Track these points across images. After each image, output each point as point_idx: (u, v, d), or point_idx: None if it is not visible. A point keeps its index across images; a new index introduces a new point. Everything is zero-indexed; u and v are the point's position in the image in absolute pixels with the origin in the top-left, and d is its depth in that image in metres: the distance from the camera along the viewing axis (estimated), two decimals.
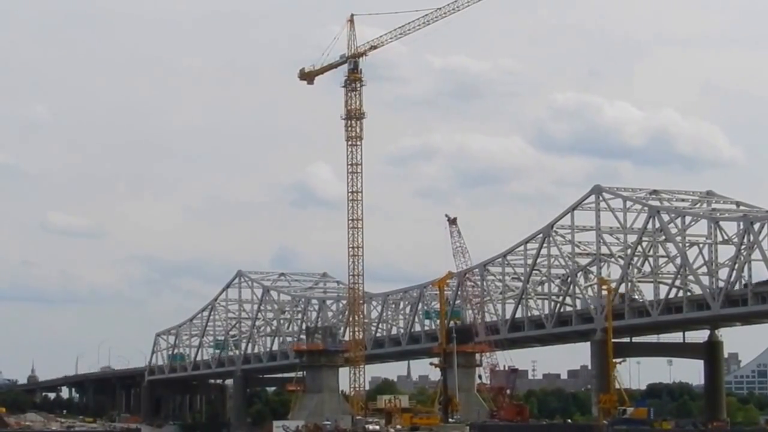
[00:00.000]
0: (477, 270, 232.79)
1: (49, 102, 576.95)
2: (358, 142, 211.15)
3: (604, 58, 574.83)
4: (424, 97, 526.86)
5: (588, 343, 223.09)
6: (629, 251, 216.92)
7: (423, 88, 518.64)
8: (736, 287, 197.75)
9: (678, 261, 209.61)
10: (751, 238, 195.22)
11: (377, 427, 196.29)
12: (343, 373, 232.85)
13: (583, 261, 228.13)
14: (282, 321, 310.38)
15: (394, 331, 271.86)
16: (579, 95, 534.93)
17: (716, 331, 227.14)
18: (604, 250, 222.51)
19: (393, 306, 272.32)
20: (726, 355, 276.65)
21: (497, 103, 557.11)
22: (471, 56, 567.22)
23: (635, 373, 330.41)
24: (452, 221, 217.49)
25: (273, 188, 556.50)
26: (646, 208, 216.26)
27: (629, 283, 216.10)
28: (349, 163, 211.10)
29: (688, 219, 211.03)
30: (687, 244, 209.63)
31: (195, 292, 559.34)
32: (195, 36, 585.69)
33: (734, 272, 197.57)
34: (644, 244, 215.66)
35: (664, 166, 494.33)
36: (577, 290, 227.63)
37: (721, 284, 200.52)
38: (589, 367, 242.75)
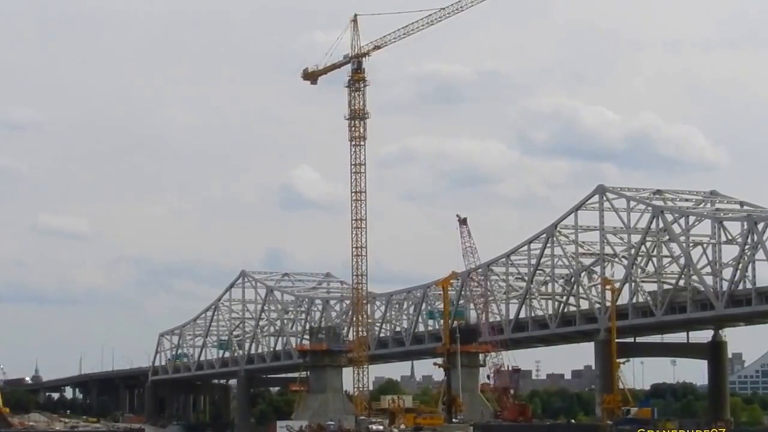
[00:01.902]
0: (480, 270, 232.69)
1: (40, 103, 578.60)
2: (362, 142, 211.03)
3: (587, 62, 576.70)
4: (406, 101, 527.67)
5: (592, 343, 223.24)
6: (633, 251, 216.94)
7: (405, 93, 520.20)
8: (740, 287, 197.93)
9: (682, 261, 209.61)
10: (755, 237, 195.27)
11: (381, 428, 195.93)
12: (347, 373, 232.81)
13: (587, 261, 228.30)
14: (285, 321, 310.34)
15: (397, 331, 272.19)
16: (563, 98, 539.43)
17: (720, 331, 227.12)
18: (607, 250, 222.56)
19: (396, 306, 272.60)
20: (730, 355, 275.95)
21: (480, 107, 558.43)
22: (452, 60, 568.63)
23: (639, 373, 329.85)
24: (462, 221, 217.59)
25: (266, 189, 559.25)
26: (649, 208, 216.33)
27: (633, 284, 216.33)
28: (353, 163, 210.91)
29: (691, 219, 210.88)
30: (691, 244, 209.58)
31: (189, 293, 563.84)
32: (189, 36, 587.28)
33: (738, 272, 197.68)
34: (648, 244, 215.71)
35: (648, 169, 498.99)
36: (581, 290, 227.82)
37: (725, 284, 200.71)
38: (593, 367, 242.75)
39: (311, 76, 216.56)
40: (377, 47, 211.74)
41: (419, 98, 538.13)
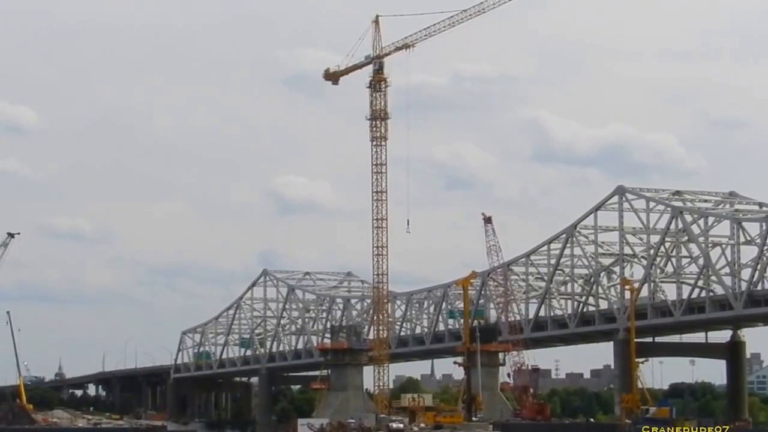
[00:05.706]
0: (500, 270, 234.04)
1: (42, 106, 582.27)
2: (383, 143, 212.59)
3: (563, 71, 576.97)
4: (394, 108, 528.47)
5: (611, 343, 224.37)
6: (652, 251, 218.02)
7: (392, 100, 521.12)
8: (759, 287, 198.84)
9: (701, 261, 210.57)
10: None
11: (401, 426, 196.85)
12: (368, 371, 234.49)
13: (606, 261, 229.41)
14: (307, 320, 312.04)
15: (418, 330, 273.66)
16: (542, 107, 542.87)
17: (738, 331, 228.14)
18: (627, 250, 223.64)
19: (417, 305, 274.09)
20: (748, 355, 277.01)
21: (458, 114, 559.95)
22: (434, 69, 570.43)
23: (658, 373, 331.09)
24: (487, 219, 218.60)
25: (263, 191, 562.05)
26: (669, 209, 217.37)
27: (652, 284, 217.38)
28: (374, 163, 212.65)
29: (710, 220, 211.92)
30: (710, 245, 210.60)
31: (192, 293, 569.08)
32: (187, 40, 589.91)
33: (757, 272, 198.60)
34: (667, 244, 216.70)
35: (630, 176, 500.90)
36: (600, 290, 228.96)
37: (744, 285, 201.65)
38: (612, 367, 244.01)
39: (333, 77, 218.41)
40: (399, 48, 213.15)
41: (406, 105, 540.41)
